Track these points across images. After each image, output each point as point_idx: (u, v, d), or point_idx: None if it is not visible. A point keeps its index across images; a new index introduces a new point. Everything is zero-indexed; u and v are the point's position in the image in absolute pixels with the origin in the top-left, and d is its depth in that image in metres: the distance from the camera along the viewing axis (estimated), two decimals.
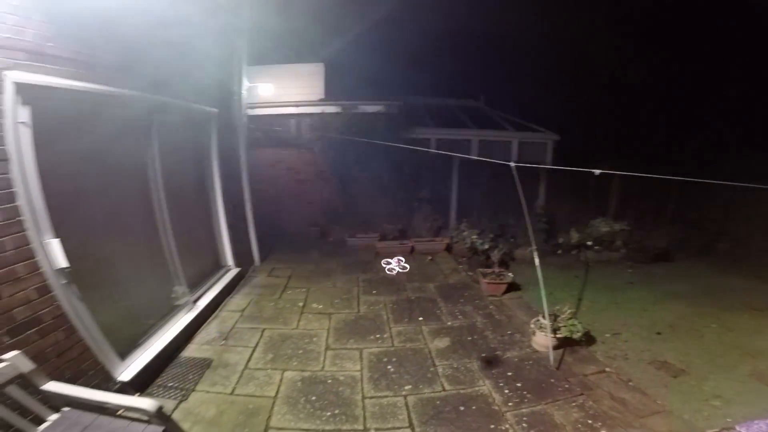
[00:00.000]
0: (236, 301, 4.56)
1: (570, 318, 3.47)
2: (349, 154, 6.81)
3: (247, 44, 5.35)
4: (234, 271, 5.00)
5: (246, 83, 5.55)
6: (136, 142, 3.40)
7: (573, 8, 8.32)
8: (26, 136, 2.20)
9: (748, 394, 2.96)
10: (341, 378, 3.13)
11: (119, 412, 2.28)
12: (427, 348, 3.59)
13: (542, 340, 3.45)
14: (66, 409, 2.20)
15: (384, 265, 5.78)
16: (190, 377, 3.11)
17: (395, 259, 5.98)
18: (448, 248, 6.37)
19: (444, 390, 2.98)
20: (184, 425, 2.53)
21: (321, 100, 7.30)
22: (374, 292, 4.86)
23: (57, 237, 2.33)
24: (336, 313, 4.28)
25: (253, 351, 3.50)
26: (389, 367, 3.29)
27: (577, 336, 3.41)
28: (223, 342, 3.64)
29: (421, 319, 4.14)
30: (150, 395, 2.83)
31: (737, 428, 2.18)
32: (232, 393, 2.93)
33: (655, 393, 2.96)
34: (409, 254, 6.30)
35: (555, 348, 3.36)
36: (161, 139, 3.58)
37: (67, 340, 2.47)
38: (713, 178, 2.59)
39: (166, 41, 3.54)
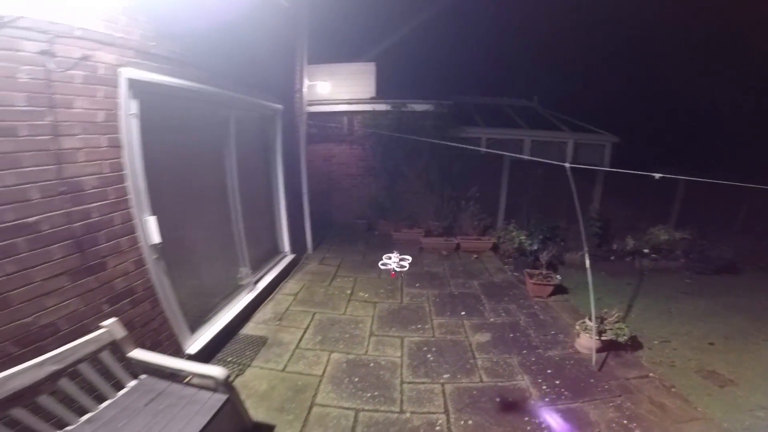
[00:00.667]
0: (290, 285, 4.87)
1: (617, 321, 3.41)
2: (398, 151, 6.97)
3: (306, 44, 5.60)
4: (290, 258, 5.36)
5: (306, 81, 5.84)
6: (216, 135, 3.73)
7: (646, 10, 7.84)
8: (135, 127, 2.51)
9: None
10: (383, 362, 3.28)
11: (187, 380, 2.45)
12: (467, 341, 3.65)
13: (586, 342, 3.41)
14: (143, 376, 2.32)
15: (386, 260, 5.76)
16: (247, 353, 3.35)
17: (394, 254, 5.91)
18: (495, 248, 6.33)
19: (482, 381, 3.05)
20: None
21: (372, 98, 7.49)
22: (417, 285, 4.98)
23: (154, 215, 2.65)
24: (380, 302, 4.45)
25: (304, 332, 3.73)
26: (429, 356, 3.40)
27: (623, 339, 3.34)
28: (278, 322, 3.91)
29: (463, 313, 4.21)
30: None
31: None
32: (283, 370, 3.14)
33: (697, 400, 2.87)
34: (454, 251, 6.36)
35: (599, 350, 3.31)
36: (236, 133, 3.91)
37: (152, 311, 2.69)
38: None
39: (242, 42, 3.84)
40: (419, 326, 3.92)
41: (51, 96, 1.96)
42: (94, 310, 2.22)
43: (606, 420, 2.63)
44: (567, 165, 3.02)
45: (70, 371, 1.96)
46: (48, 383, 1.85)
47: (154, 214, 2.66)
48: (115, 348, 2.19)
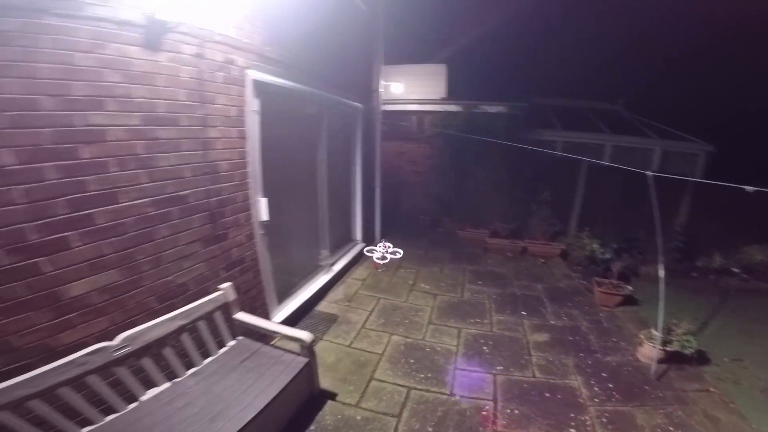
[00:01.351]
0: (359, 271, 5.26)
1: (685, 333, 3.25)
2: (467, 151, 6.97)
3: (382, 46, 5.83)
4: (360, 245, 5.77)
5: (382, 82, 6.13)
6: (311, 131, 4.19)
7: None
8: (256, 122, 2.98)
9: None
10: (438, 349, 3.47)
11: (273, 342, 2.72)
12: (525, 339, 3.71)
13: (648, 352, 3.30)
14: (240, 337, 2.57)
15: (376, 253, 5.75)
16: (320, 328, 3.69)
17: (382, 244, 5.86)
18: (563, 254, 6.17)
19: (534, 377, 3.12)
20: None
21: (443, 99, 7.58)
22: (479, 282, 5.08)
23: (264, 197, 3.12)
24: (441, 294, 4.64)
25: (370, 314, 4.04)
26: (484, 348, 3.52)
27: (688, 351, 3.18)
28: (347, 303, 4.28)
29: (524, 313, 4.25)
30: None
31: None
32: (349, 346, 3.44)
33: (754, 418, 2.71)
34: (520, 254, 6.32)
35: (661, 361, 3.20)
36: (327, 129, 4.34)
37: (254, 279, 3.07)
38: None
39: (331, 46, 4.17)
40: (478, 320, 4.04)
41: (202, 93, 2.45)
42: (214, 274, 2.64)
43: (652, 425, 2.60)
44: (649, 173, 2.94)
45: (190, 327, 2.27)
46: (173, 336, 2.17)
47: (264, 196, 3.12)
48: (225, 309, 2.52)
